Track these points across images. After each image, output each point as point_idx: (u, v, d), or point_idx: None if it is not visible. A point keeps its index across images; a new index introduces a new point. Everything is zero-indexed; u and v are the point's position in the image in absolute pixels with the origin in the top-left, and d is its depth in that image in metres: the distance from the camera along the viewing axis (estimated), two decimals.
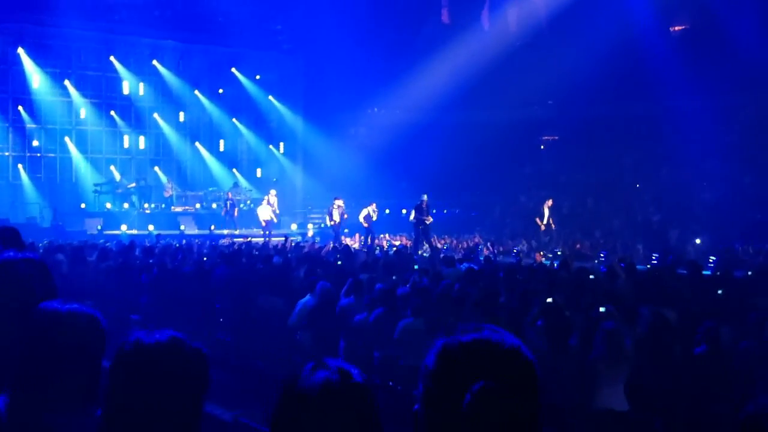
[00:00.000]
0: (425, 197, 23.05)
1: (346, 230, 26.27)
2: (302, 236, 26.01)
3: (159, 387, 2.17)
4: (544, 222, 23.43)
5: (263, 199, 26.34)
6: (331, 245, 18.43)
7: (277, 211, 26.32)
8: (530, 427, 1.59)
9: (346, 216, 24.30)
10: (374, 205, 24.14)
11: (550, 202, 23.57)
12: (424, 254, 19.78)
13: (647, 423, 6.93)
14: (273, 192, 26.40)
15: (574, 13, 26.77)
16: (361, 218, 23.96)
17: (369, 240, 23.50)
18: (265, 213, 25.55)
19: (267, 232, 24.96)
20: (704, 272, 12.83)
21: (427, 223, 22.77)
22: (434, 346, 1.68)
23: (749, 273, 11.96)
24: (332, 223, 24.04)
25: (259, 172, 33.73)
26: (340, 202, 24.10)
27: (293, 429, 1.88)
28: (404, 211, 25.39)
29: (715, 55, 25.40)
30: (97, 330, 2.65)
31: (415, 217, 22.78)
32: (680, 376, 7.15)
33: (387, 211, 27.57)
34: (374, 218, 24.01)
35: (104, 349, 2.66)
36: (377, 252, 19.09)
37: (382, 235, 25.17)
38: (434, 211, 24.65)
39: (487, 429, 1.53)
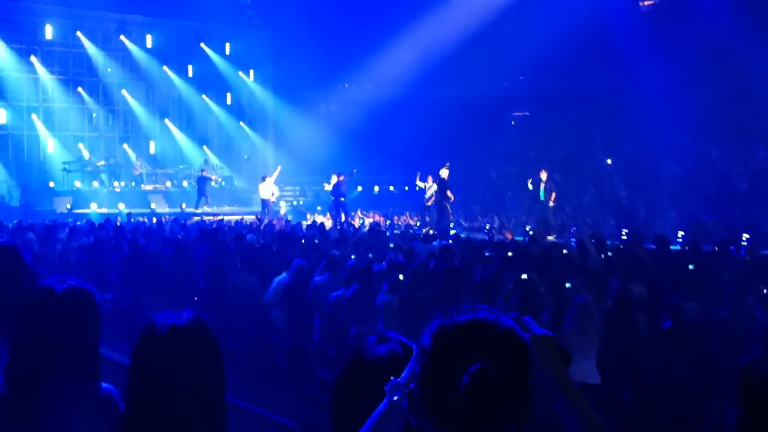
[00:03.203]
0: (447, 168, 21.73)
1: (318, 208, 26.30)
2: (275, 213, 25.92)
3: (195, 366, 2.23)
4: (552, 199, 21.96)
5: (265, 177, 25.05)
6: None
7: (276, 192, 25.42)
8: (524, 407, 1.63)
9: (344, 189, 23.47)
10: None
11: (544, 175, 22.01)
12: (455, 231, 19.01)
13: (618, 395, 7.10)
14: (279, 168, 25.65)
15: None
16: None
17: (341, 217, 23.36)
18: (265, 190, 24.83)
19: (266, 211, 24.08)
20: (673, 247, 13.07)
21: (450, 200, 21.59)
22: (430, 326, 1.69)
23: (716, 248, 12.16)
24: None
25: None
26: (340, 178, 23.37)
27: (361, 395, 1.99)
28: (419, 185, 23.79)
29: (682, 29, 25.54)
30: (93, 306, 2.68)
31: (437, 193, 21.75)
32: (647, 350, 7.32)
33: (359, 188, 27.56)
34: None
35: (100, 324, 2.70)
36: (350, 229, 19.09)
37: (353, 213, 25.17)
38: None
39: (483, 409, 1.56)
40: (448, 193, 21.57)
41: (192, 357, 2.22)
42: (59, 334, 2.58)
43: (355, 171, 23.91)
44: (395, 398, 1.73)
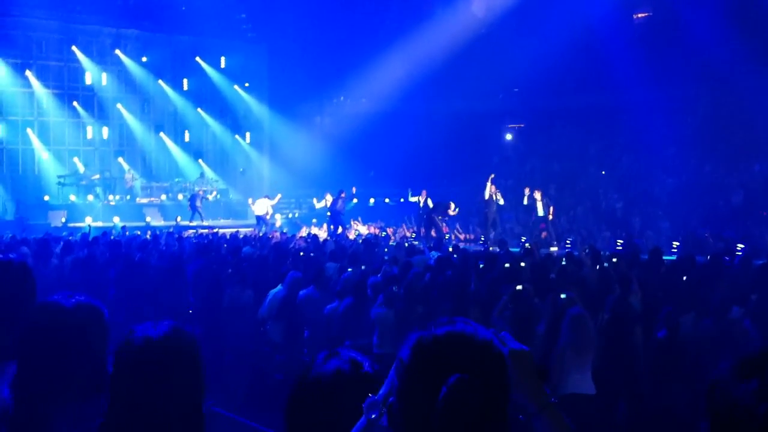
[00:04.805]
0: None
1: (313, 220, 26.33)
2: (270, 226, 25.94)
3: (169, 377, 2.22)
4: (551, 215, 21.57)
5: (269, 197, 25.60)
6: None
7: (270, 211, 25.80)
8: (502, 420, 1.63)
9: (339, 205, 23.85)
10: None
11: (539, 194, 21.56)
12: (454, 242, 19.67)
13: (612, 406, 7.10)
14: (278, 196, 26.11)
15: (537, 1, 26.95)
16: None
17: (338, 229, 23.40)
18: (261, 207, 25.05)
19: (262, 227, 24.30)
20: (667, 258, 13.08)
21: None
22: (408, 340, 1.69)
23: (708, 257, 12.17)
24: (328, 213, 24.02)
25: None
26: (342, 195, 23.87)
27: (306, 414, 2.00)
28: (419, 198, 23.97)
29: (675, 46, 25.72)
30: (101, 321, 2.68)
31: (433, 210, 22.25)
32: (642, 361, 7.33)
33: (354, 200, 27.61)
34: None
35: (107, 339, 2.70)
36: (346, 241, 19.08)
37: (348, 225, 25.16)
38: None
39: (463, 421, 1.56)
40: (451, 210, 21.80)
41: (165, 368, 2.22)
42: (69, 351, 2.57)
43: (354, 191, 24.20)
44: (373, 416, 1.73)
